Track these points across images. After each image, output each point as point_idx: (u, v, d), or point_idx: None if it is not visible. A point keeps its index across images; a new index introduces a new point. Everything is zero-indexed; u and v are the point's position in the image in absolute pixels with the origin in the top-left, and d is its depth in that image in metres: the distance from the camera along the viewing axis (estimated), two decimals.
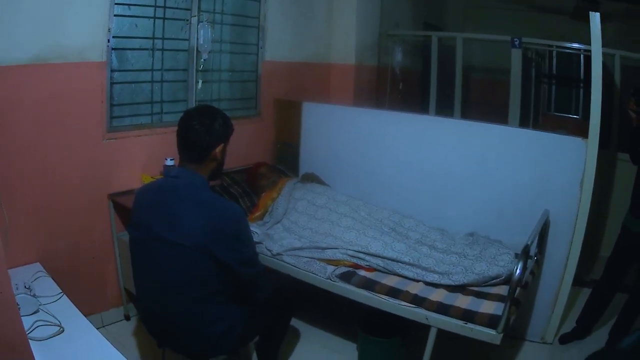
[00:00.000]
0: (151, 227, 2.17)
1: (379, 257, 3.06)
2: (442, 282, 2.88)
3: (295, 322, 3.47)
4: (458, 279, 2.86)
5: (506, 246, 3.10)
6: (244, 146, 4.21)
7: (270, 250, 3.24)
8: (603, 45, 2.99)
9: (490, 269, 2.87)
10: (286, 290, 2.79)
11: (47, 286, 2.66)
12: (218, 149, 2.27)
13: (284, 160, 4.53)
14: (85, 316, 2.41)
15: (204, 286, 2.19)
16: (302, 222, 3.51)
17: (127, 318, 3.58)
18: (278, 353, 2.85)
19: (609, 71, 4.39)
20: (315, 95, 4.94)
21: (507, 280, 2.76)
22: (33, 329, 2.18)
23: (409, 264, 2.99)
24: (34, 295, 2.46)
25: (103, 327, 3.40)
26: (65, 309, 2.43)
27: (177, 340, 2.32)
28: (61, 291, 2.60)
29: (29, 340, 1.67)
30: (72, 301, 2.53)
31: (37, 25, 2.80)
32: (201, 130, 2.21)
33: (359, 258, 3.08)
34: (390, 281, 2.90)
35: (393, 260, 3.03)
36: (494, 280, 2.86)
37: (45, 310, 2.37)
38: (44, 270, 2.84)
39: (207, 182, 2.30)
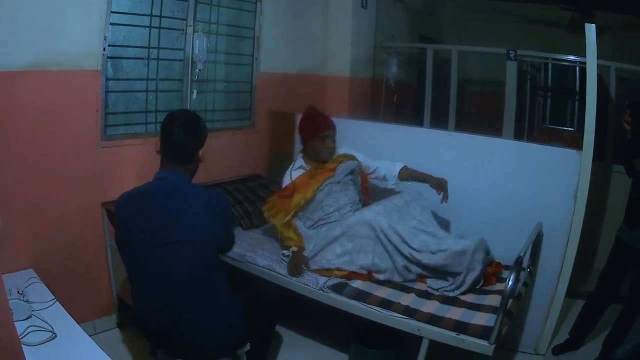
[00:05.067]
0: (153, 230, 2.23)
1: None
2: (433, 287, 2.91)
3: (286, 333, 3.50)
4: (452, 288, 2.87)
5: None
6: (237, 157, 4.23)
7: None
8: (599, 58, 3.02)
9: (457, 243, 2.88)
10: (269, 294, 2.88)
11: (40, 292, 2.65)
12: (201, 152, 2.44)
13: (278, 171, 4.48)
14: (78, 323, 2.40)
15: (205, 279, 2.29)
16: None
17: (119, 326, 3.56)
18: None
19: (605, 83, 4.42)
20: None
21: (500, 291, 2.75)
22: (25, 334, 2.17)
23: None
24: (26, 301, 2.46)
25: (95, 334, 3.38)
26: (58, 316, 2.42)
27: (176, 339, 2.33)
28: (54, 297, 2.59)
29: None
30: (64, 308, 2.52)
31: (33, 32, 2.82)
32: (190, 133, 2.36)
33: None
34: (382, 293, 2.87)
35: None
36: (486, 288, 2.88)
37: (38, 316, 2.36)
38: (37, 277, 2.83)
39: (190, 181, 2.43)
